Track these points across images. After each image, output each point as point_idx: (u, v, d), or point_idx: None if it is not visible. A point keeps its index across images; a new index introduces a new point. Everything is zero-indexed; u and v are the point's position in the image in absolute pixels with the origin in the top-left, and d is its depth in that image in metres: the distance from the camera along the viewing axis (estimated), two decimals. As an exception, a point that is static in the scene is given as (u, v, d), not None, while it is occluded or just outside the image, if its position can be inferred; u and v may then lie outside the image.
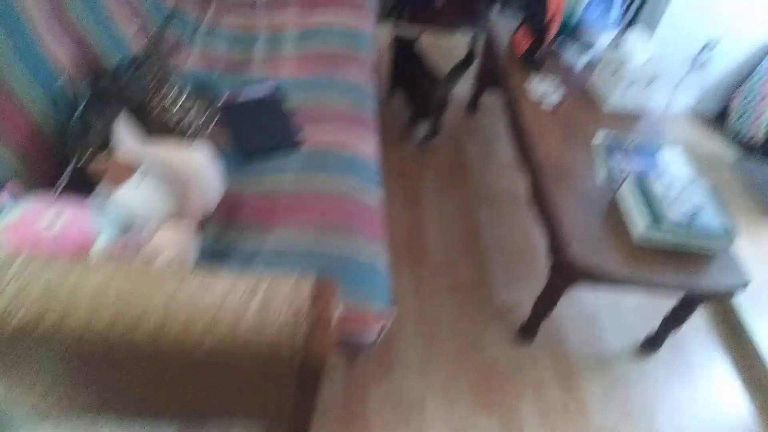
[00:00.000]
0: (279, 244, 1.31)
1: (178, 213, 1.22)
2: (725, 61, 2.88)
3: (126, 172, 1.22)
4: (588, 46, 2.40)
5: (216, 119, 1.61)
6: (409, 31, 2.61)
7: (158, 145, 1.28)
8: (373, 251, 1.35)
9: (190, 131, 1.42)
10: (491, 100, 2.81)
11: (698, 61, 2.86)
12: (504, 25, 2.50)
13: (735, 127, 2.91)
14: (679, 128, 2.99)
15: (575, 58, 2.33)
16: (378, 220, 1.43)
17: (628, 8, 2.68)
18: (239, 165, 1.50)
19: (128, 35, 1.75)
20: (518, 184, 2.44)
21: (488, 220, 2.27)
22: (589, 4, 2.42)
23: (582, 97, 2.14)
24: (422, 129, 2.56)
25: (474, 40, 2.38)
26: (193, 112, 1.45)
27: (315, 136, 1.60)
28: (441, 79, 2.33)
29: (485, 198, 2.36)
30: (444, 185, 2.37)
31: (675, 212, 1.58)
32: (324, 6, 2.18)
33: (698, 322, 2.08)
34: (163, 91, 1.38)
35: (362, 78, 1.89)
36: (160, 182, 1.22)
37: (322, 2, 2.20)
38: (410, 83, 2.50)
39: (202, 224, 1.32)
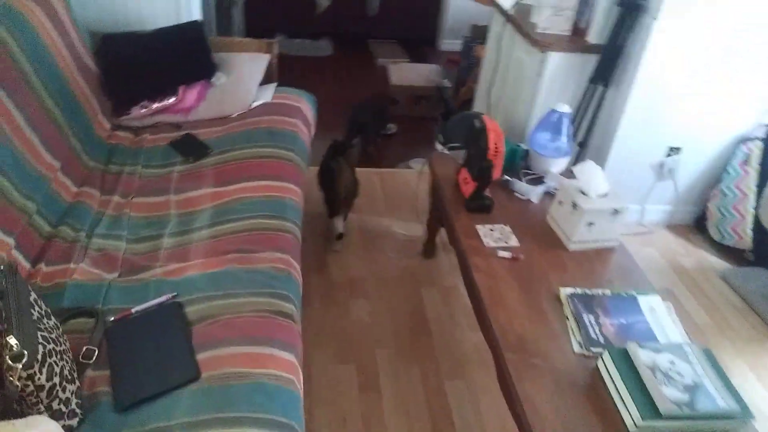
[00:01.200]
0: None
1: None
2: (693, 164, 2.69)
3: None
4: (540, 176, 2.19)
5: (94, 358, 1.33)
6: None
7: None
8: None
9: (45, 391, 1.12)
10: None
11: (663, 169, 2.67)
12: (448, 162, 2.29)
13: (717, 232, 2.67)
14: (657, 242, 2.74)
15: (529, 192, 2.10)
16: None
17: (577, 130, 2.51)
18: (114, 422, 1.19)
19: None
20: (489, 338, 2.13)
21: (460, 395, 1.94)
22: (535, 131, 2.24)
23: (542, 237, 1.90)
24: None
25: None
26: (53, 361, 1.16)
27: (216, 358, 1.31)
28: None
29: (453, 366, 2.04)
30: (404, 355, 2.06)
31: (672, 393, 1.28)
32: (242, 176, 1.96)
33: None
34: (9, 340, 1.10)
35: (283, 262, 1.62)
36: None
37: (241, 171, 1.98)
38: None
39: None
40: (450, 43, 5.27)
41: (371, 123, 3.63)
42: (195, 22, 2.37)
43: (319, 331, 2.10)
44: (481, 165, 1.95)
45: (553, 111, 2.17)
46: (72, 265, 1.62)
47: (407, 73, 4.33)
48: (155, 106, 2.23)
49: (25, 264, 1.58)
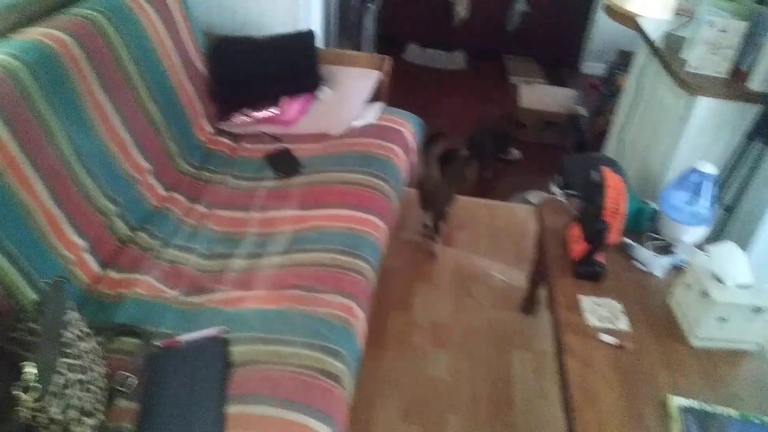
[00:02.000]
0: None
1: None
2: None
3: None
4: (669, 245, 1.85)
5: (128, 387, 1.25)
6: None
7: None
8: None
9: (56, 423, 1.04)
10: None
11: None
12: (560, 211, 2.02)
13: None
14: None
15: (652, 263, 1.78)
16: None
17: (723, 192, 2.11)
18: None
19: (69, 257, 1.46)
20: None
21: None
22: (670, 189, 1.90)
23: (659, 323, 1.58)
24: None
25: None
26: (72, 393, 1.08)
27: (244, 416, 1.17)
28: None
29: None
30: (478, 427, 1.81)
31: None
32: (327, 201, 1.83)
33: None
34: (26, 367, 1.02)
35: (345, 309, 1.46)
36: None
37: (327, 196, 1.85)
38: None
39: None
40: (593, 66, 4.86)
41: (491, 146, 3.39)
42: (308, 31, 2.28)
43: (389, 379, 1.93)
44: (594, 226, 1.67)
45: (695, 170, 1.82)
46: (138, 276, 1.57)
47: (539, 96, 4.03)
48: (256, 115, 2.16)
49: (94, 268, 1.55)
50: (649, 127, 2.39)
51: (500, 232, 2.67)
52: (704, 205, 1.84)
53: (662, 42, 2.38)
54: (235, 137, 2.17)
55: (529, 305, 2.27)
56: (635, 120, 2.52)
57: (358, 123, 2.17)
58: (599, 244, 1.69)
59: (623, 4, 3.58)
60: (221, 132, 2.18)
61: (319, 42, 2.59)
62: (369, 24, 4.02)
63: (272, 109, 2.16)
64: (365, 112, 2.21)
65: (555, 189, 2.30)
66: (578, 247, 1.77)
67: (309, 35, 2.29)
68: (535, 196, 3.22)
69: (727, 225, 2.20)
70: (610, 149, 2.84)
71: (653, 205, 1.96)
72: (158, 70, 1.92)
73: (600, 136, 3.66)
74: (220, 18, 2.45)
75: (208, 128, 2.15)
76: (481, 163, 3.39)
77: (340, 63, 2.35)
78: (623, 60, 4.01)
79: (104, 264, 1.59)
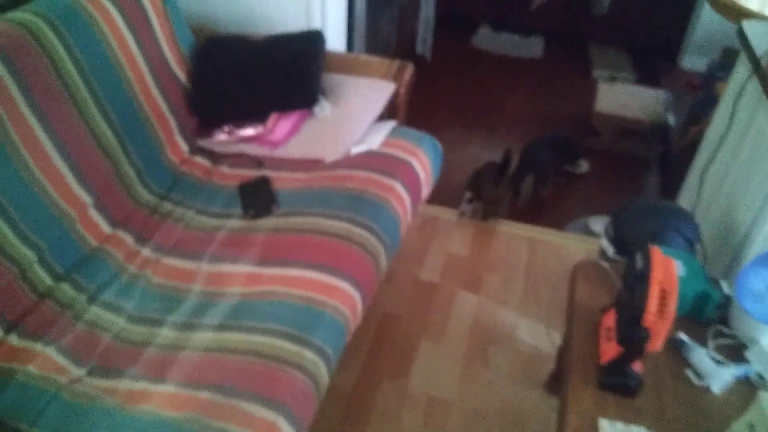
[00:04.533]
0: None
1: None
2: None
3: None
4: (740, 345, 1.37)
5: None
6: None
7: None
8: None
9: None
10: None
11: None
12: (600, 282, 1.56)
13: None
14: None
15: (709, 374, 1.30)
16: None
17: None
18: None
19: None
20: None
21: None
22: (751, 267, 1.40)
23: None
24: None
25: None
26: None
27: None
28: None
29: None
30: None
31: None
32: (290, 256, 1.47)
33: None
34: None
35: (266, 430, 1.11)
36: None
37: (293, 249, 1.50)
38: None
39: None
40: (695, 62, 4.15)
41: (547, 156, 2.89)
42: (315, 32, 1.90)
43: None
44: (631, 331, 1.22)
45: (789, 253, 1.31)
46: (41, 347, 1.29)
47: (621, 98, 3.45)
48: (239, 133, 1.82)
49: (-7, 331, 1.29)
50: (740, 170, 1.83)
51: (540, 277, 2.21)
52: (798, 300, 1.33)
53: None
54: (215, 157, 1.84)
55: (556, 384, 1.82)
56: (722, 156, 1.96)
57: (359, 148, 1.77)
58: (635, 354, 1.24)
59: (732, -7, 2.91)
60: (199, 151, 1.86)
61: (339, 43, 2.21)
62: (428, 8, 3.56)
63: (257, 127, 1.81)
64: (370, 135, 1.81)
65: (605, 243, 1.82)
66: (609, 348, 1.32)
67: (316, 36, 1.91)
68: (599, 223, 2.71)
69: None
70: (688, 192, 2.27)
71: (725, 288, 1.46)
72: (114, 81, 1.62)
73: (691, 149, 3.06)
74: (221, 11, 2.12)
75: (184, 147, 1.83)
76: (537, 178, 2.92)
77: (351, 71, 1.95)
78: (727, 60, 3.33)
79: (10, 326, 1.32)
